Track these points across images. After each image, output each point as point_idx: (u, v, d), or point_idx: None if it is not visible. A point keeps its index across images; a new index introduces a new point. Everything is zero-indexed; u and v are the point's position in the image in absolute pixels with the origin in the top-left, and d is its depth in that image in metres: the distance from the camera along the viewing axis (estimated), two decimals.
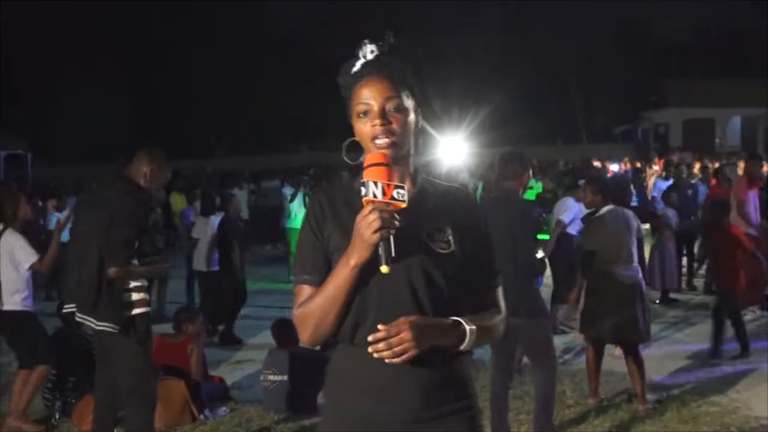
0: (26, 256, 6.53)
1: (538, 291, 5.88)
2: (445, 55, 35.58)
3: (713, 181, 14.28)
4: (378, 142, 2.38)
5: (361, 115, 2.41)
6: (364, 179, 2.25)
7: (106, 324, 5.07)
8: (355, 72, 2.45)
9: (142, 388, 5.19)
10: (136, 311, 5.15)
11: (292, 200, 14.49)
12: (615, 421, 6.42)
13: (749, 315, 10.18)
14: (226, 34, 42.01)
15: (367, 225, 2.21)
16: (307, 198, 14.43)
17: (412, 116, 2.44)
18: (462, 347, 2.38)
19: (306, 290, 2.43)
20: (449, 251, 2.39)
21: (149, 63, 40.68)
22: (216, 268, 10.21)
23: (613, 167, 23.99)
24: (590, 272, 6.79)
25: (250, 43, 42.03)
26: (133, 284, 5.14)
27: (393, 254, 2.24)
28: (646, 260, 9.32)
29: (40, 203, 15.68)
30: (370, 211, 2.21)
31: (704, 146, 35.12)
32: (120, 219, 5.07)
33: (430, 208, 2.44)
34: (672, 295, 11.44)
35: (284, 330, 7.15)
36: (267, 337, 7.97)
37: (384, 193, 2.22)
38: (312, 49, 40.45)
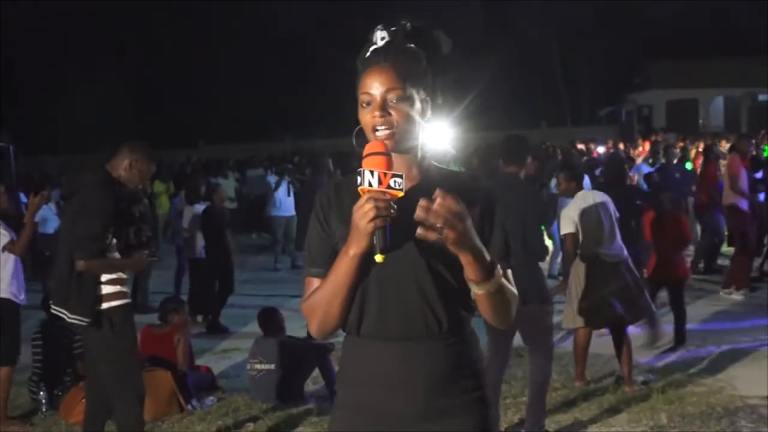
0: None
1: (544, 276, 5.85)
2: None
3: (698, 161, 14.36)
4: (378, 133, 2.37)
5: (364, 105, 2.40)
6: (362, 168, 2.23)
7: (76, 317, 5.02)
8: (366, 59, 2.44)
9: (126, 381, 5.13)
10: (111, 304, 5.04)
11: (276, 188, 14.43)
12: (602, 403, 6.45)
13: (739, 297, 10.28)
14: (223, 32, 41.80)
15: (363, 214, 2.19)
16: (291, 187, 14.38)
17: (417, 105, 2.40)
18: (488, 286, 2.29)
19: (314, 282, 2.43)
20: None
21: (138, 55, 40.47)
22: (203, 256, 10.20)
23: (599, 149, 24.04)
24: (579, 256, 6.81)
25: (246, 41, 41.87)
26: (107, 277, 5.04)
27: (388, 243, 2.22)
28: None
29: (23, 197, 15.54)
30: (366, 201, 2.20)
31: (688, 127, 35.18)
32: (86, 211, 4.98)
33: (432, 194, 2.37)
34: None
35: (270, 318, 7.15)
36: (253, 326, 7.96)
37: (380, 182, 2.20)
38: (307, 46, 40.39)
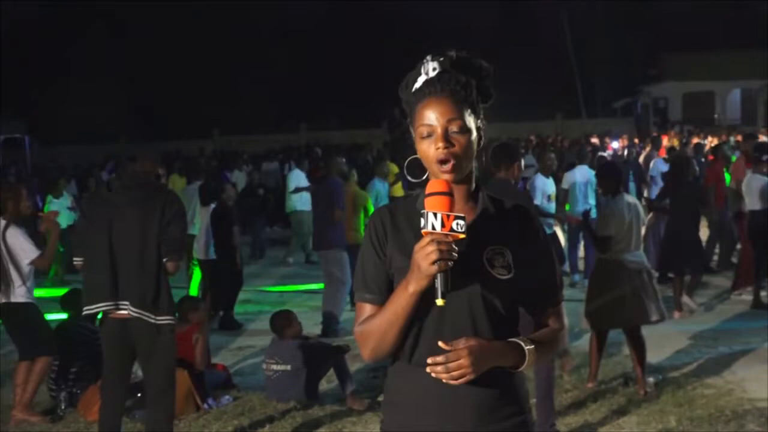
0: (26, 252, 6.60)
1: None
2: (443, 31, 35.68)
3: (710, 158, 14.36)
4: (442, 165, 2.39)
5: (424, 136, 2.42)
6: (425, 209, 2.28)
7: (166, 317, 5.24)
8: (417, 89, 2.45)
9: (173, 378, 5.43)
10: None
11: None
12: (612, 405, 6.51)
13: (744, 295, 10.29)
14: (237, 21, 41.89)
15: (425, 256, 2.23)
16: None
17: (474, 135, 2.44)
18: (522, 368, 2.42)
19: (366, 309, 2.48)
20: (509, 277, 2.42)
21: (147, 44, 40.54)
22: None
23: (614, 144, 23.98)
24: (601, 259, 6.93)
25: (260, 31, 42.00)
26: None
27: (449, 287, 2.27)
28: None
29: (37, 193, 15.64)
30: (428, 243, 2.24)
31: (704, 119, 35.08)
32: (172, 216, 5.22)
33: (490, 230, 2.46)
34: (671, 275, 11.50)
35: (285, 322, 7.18)
36: (268, 323, 8.02)
37: (443, 225, 2.24)
38: (321, 36, 40.51)
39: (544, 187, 10.43)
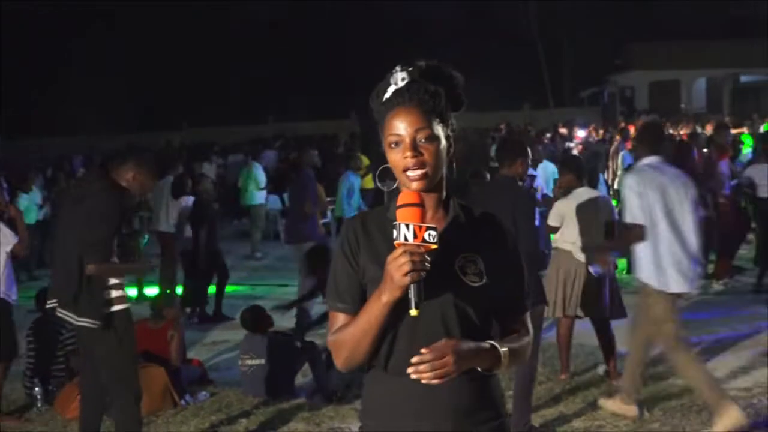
0: (5, 239, 6.56)
1: (539, 278, 5.96)
2: (407, 18, 35.85)
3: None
4: (410, 174, 2.43)
5: (393, 145, 2.45)
6: (397, 221, 2.31)
7: (86, 320, 5.14)
8: (387, 99, 2.48)
9: (126, 382, 5.28)
10: (117, 308, 5.21)
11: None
12: (587, 397, 6.57)
13: (720, 286, 10.42)
14: (204, 13, 41.60)
15: (398, 267, 2.26)
16: None
17: (443, 143, 2.47)
18: (496, 370, 2.47)
19: (340, 318, 2.50)
20: (481, 284, 2.46)
21: (116, 36, 40.15)
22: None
23: (580, 133, 24.09)
24: (560, 252, 7.00)
25: (227, 23, 41.71)
26: (112, 282, 5.20)
27: (423, 297, 2.30)
28: None
29: (5, 184, 15.44)
30: (401, 254, 2.27)
31: (670, 108, 35.34)
32: (97, 216, 5.14)
33: (462, 239, 2.49)
34: None
35: (255, 317, 7.20)
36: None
37: (415, 236, 2.28)
38: (288, 27, 40.32)
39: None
